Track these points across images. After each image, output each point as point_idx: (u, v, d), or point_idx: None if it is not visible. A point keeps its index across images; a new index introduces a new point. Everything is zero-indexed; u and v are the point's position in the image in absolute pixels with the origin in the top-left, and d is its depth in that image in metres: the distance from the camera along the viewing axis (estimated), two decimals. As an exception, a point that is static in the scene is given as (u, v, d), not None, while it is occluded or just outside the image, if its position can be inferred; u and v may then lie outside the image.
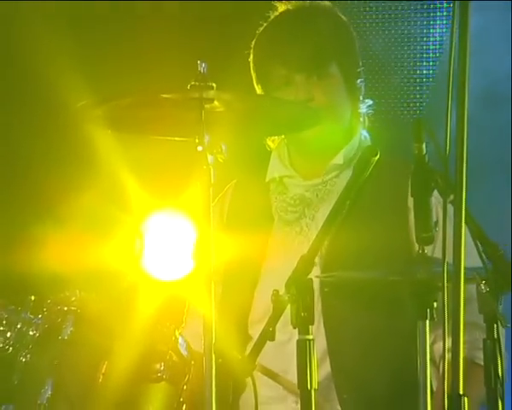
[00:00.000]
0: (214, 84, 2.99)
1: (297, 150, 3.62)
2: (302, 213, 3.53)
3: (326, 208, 3.33)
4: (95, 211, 4.00)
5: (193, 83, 2.94)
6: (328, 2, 3.68)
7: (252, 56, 3.65)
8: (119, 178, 3.48)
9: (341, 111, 3.55)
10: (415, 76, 5.38)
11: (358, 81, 3.60)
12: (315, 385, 2.72)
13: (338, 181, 3.44)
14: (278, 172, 3.61)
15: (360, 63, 3.66)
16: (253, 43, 3.69)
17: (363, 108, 3.57)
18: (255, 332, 3.25)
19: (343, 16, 3.72)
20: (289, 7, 3.66)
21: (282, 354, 3.24)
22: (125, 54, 4.58)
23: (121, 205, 3.53)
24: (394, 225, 3.35)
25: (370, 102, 3.60)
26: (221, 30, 4.82)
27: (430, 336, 2.71)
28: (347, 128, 3.56)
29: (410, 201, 3.16)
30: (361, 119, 3.60)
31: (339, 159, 3.44)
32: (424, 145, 2.72)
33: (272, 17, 3.69)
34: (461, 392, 2.29)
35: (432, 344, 2.87)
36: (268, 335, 2.95)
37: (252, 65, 3.65)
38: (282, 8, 3.69)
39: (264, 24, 3.70)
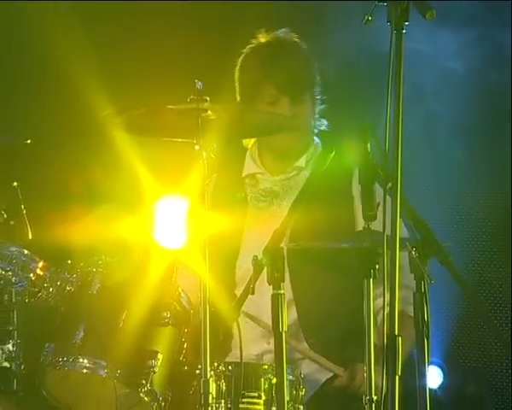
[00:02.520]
0: (208, 98, 2.96)
1: (268, 154, 3.61)
2: (271, 202, 3.53)
3: (289, 199, 3.41)
4: (118, 196, 4.01)
5: (191, 97, 2.92)
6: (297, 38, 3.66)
7: (240, 74, 3.60)
8: (136, 171, 3.46)
9: (310, 128, 3.54)
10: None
11: (319, 107, 3.58)
12: (285, 328, 2.72)
13: (298, 178, 3.45)
14: (252, 170, 3.62)
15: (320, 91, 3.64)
16: (242, 62, 3.64)
17: (322, 126, 3.58)
18: (238, 292, 3.28)
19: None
20: (280, 35, 3.62)
21: (259, 305, 3.22)
22: (136, 71, 4.54)
23: (138, 192, 3.50)
24: (342, 207, 3.35)
25: (326, 122, 3.58)
26: (214, 50, 4.82)
27: (373, 291, 2.74)
28: (308, 139, 3.55)
29: (354, 189, 3.34)
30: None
31: (301, 162, 3.46)
32: (368, 145, 2.73)
33: (261, 42, 3.64)
34: (396, 333, 2.32)
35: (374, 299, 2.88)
36: (249, 290, 2.97)
37: (239, 81, 3.60)
38: (266, 37, 3.63)
39: (248, 48, 3.63)
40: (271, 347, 2.88)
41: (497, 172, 4.26)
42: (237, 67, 3.65)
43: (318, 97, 3.61)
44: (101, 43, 4.47)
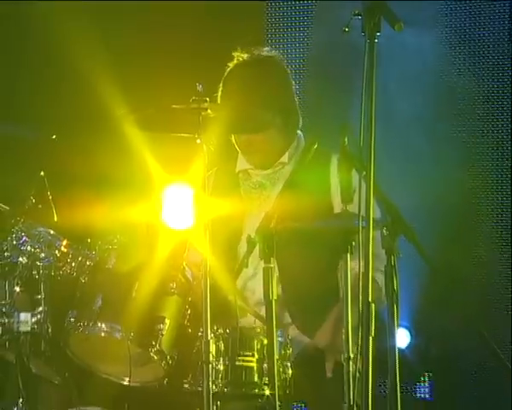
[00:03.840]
0: (208, 99, 3.00)
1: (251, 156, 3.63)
2: (261, 194, 3.53)
3: (276, 189, 3.44)
4: (131, 185, 3.99)
5: (193, 98, 2.96)
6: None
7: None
8: (146, 162, 3.42)
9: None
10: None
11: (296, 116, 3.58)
12: (275, 296, 2.75)
13: (283, 171, 3.46)
14: (244, 166, 3.62)
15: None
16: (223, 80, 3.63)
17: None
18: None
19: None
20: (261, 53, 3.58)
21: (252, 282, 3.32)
22: (145, 74, 4.53)
23: (148, 181, 3.46)
24: (322, 193, 3.32)
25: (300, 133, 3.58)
26: (214, 58, 4.80)
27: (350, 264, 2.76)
28: (289, 139, 3.53)
29: (332, 178, 3.33)
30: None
31: (284, 158, 3.46)
32: (346, 139, 2.75)
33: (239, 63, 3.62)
34: (370, 300, 2.34)
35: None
36: (243, 264, 3.05)
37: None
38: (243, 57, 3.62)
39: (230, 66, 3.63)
40: (263, 313, 2.90)
41: (453, 159, 4.27)
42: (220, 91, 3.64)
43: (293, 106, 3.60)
44: (118, 52, 4.47)
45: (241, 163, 3.55)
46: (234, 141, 3.53)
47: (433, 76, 4.56)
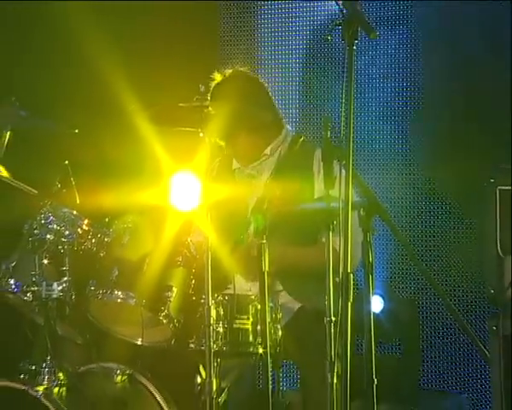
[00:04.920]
0: (209, 97, 3.10)
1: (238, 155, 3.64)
2: (250, 183, 3.51)
3: (263, 177, 3.43)
4: (144, 172, 3.94)
5: (197, 97, 3.00)
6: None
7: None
8: (157, 153, 3.35)
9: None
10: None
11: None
12: (267, 269, 2.75)
13: (268, 162, 3.43)
14: (237, 165, 3.61)
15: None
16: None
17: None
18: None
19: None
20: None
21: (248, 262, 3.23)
22: (155, 75, 4.48)
23: (158, 168, 3.44)
24: (306, 180, 3.29)
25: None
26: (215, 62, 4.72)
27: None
28: (272, 135, 3.49)
29: (314, 167, 3.32)
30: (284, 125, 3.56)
31: (267, 151, 3.41)
32: (329, 132, 2.69)
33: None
34: (349, 271, 2.35)
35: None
36: (239, 241, 3.15)
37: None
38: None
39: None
40: (257, 283, 2.89)
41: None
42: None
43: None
44: (128, 53, 4.43)
45: (235, 163, 3.60)
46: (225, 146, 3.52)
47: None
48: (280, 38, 4.66)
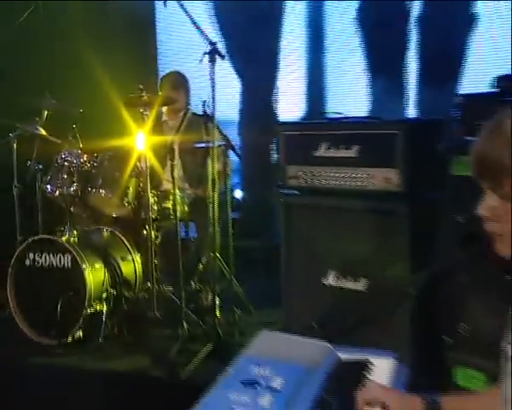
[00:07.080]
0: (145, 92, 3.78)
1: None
2: (171, 131, 4.28)
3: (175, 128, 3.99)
4: (122, 132, 4.03)
5: (140, 90, 3.78)
6: None
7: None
8: (129, 121, 3.89)
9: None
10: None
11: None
12: (178, 175, 3.60)
13: (179, 120, 4.09)
14: (165, 119, 4.47)
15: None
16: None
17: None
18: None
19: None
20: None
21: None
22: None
23: (130, 129, 3.94)
24: (195, 132, 3.94)
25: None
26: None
27: None
28: (182, 108, 4.23)
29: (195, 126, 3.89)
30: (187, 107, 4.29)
31: (181, 114, 4.14)
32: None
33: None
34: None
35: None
36: (165, 162, 3.87)
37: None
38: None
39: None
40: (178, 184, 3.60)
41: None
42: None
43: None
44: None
45: (164, 117, 4.52)
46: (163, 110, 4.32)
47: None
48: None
